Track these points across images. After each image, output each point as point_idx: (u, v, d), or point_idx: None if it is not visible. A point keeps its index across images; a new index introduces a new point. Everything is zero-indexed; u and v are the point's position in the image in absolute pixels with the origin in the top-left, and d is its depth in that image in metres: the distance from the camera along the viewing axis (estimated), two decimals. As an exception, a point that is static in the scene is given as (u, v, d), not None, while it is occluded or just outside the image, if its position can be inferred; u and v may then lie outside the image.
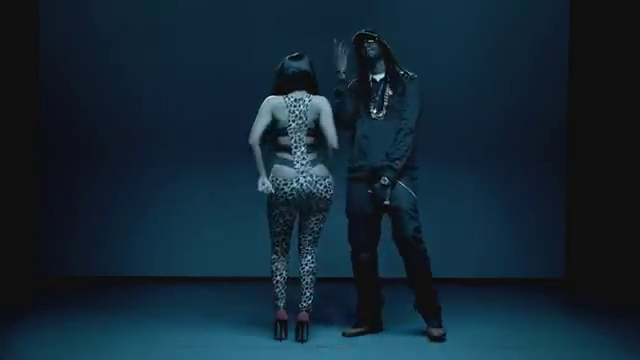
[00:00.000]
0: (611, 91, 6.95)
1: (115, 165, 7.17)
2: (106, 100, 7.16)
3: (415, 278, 5.18)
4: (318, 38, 7.01)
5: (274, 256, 5.21)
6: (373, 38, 5.20)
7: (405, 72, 5.26)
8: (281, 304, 5.12)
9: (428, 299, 5.21)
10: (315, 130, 5.10)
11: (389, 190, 5.06)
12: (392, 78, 5.23)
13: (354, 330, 5.29)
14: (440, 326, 5.19)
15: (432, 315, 5.21)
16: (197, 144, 7.19)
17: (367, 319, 5.33)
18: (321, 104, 5.09)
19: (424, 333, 5.21)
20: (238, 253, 7.12)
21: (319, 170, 5.07)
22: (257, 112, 5.13)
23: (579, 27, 7.23)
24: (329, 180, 5.08)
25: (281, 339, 5.08)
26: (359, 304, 5.37)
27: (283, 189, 5.01)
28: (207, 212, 7.20)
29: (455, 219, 7.16)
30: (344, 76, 5.25)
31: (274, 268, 5.20)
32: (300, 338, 5.05)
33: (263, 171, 5.05)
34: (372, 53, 5.21)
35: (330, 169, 5.14)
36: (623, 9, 6.82)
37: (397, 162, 5.07)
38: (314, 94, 5.13)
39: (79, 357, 4.71)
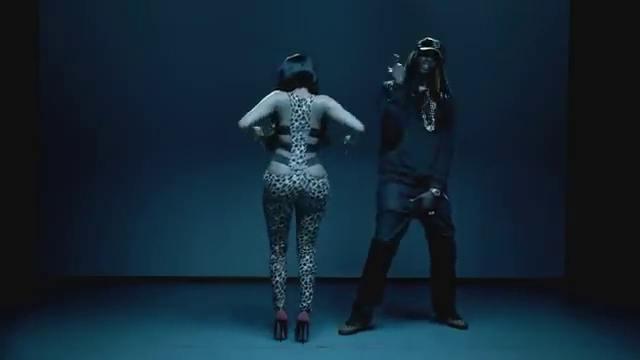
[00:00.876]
0: (611, 91, 6.95)
1: (115, 165, 7.16)
2: (106, 100, 7.15)
3: (445, 277, 5.54)
4: (318, 38, 7.06)
5: (272, 256, 5.21)
6: (436, 55, 5.29)
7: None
8: (281, 304, 5.12)
9: (451, 298, 5.57)
10: (319, 130, 5.11)
11: (436, 201, 5.29)
12: (436, 92, 5.34)
13: (349, 328, 5.32)
14: (461, 318, 5.53)
15: (454, 310, 5.55)
16: (197, 144, 7.18)
17: (362, 316, 5.35)
18: (325, 103, 5.09)
19: (449, 325, 5.51)
20: (238, 253, 7.12)
21: (314, 170, 5.06)
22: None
23: (579, 27, 7.23)
24: (323, 180, 5.08)
25: (281, 339, 5.08)
26: (361, 300, 5.36)
27: (275, 185, 5.02)
28: (206, 212, 7.20)
29: (455, 219, 7.14)
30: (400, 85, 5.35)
31: (273, 269, 5.20)
32: (300, 338, 5.05)
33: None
34: (427, 69, 5.32)
35: (348, 146, 5.16)
36: (623, 9, 6.82)
37: (444, 176, 5.33)
38: (315, 93, 5.14)
39: (79, 357, 4.72)
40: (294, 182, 5.02)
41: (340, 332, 5.29)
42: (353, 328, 5.32)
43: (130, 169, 7.18)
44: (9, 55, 6.69)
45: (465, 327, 5.47)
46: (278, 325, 5.10)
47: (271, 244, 5.22)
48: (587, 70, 7.14)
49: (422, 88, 5.34)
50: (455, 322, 5.52)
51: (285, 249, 5.23)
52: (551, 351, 4.97)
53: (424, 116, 5.34)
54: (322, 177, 5.08)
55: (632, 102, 6.77)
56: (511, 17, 7.25)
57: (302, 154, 5.06)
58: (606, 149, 6.98)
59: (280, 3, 7.24)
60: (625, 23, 6.81)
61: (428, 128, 5.33)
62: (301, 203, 5.10)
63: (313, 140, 5.10)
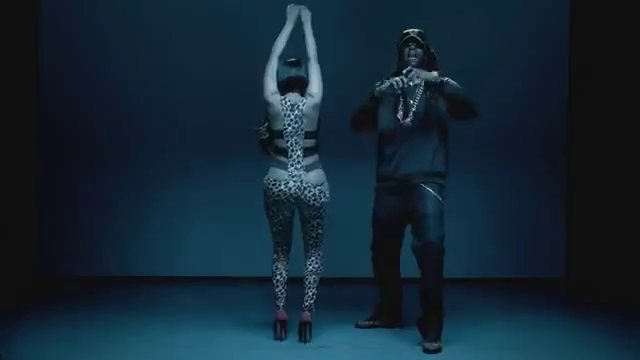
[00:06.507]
0: (611, 91, 6.95)
1: (115, 165, 7.17)
2: (106, 100, 7.16)
3: (426, 287, 4.98)
4: (318, 39, 7.05)
5: (275, 256, 5.23)
6: (420, 44, 5.11)
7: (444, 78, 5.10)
8: (281, 304, 5.13)
9: (426, 316, 4.99)
10: (314, 132, 5.11)
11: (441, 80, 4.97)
12: (427, 84, 5.07)
13: (366, 322, 5.42)
14: (436, 340, 4.91)
15: (432, 329, 4.95)
16: (197, 144, 7.19)
17: (383, 313, 5.42)
18: (316, 104, 5.10)
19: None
20: (238, 253, 7.12)
21: (312, 176, 5.05)
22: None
23: (579, 25, 7.23)
24: (320, 188, 5.06)
25: (281, 339, 5.08)
26: (379, 298, 5.46)
27: (272, 189, 5.04)
28: (207, 212, 7.20)
29: (454, 219, 7.11)
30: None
31: (274, 268, 5.21)
32: (303, 338, 5.05)
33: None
34: (414, 60, 5.11)
35: None
36: (623, 8, 6.82)
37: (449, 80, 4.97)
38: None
39: (80, 357, 4.71)
40: (290, 188, 5.03)
41: (357, 325, 5.43)
42: (370, 323, 5.44)
43: (130, 169, 7.18)
44: (9, 55, 6.68)
45: (432, 351, 4.85)
46: (278, 325, 5.10)
47: (274, 245, 5.24)
48: (587, 70, 7.14)
49: (411, 82, 5.02)
50: (425, 345, 4.89)
51: (288, 250, 5.25)
52: (551, 351, 4.97)
53: (402, 109, 5.06)
54: (319, 185, 5.07)
55: (632, 102, 6.77)
56: (511, 16, 7.26)
57: (299, 159, 5.06)
58: (606, 149, 6.98)
59: (281, 3, 7.23)
60: (625, 23, 6.81)
61: (406, 121, 5.02)
62: (300, 209, 5.12)
63: (309, 143, 5.09)
